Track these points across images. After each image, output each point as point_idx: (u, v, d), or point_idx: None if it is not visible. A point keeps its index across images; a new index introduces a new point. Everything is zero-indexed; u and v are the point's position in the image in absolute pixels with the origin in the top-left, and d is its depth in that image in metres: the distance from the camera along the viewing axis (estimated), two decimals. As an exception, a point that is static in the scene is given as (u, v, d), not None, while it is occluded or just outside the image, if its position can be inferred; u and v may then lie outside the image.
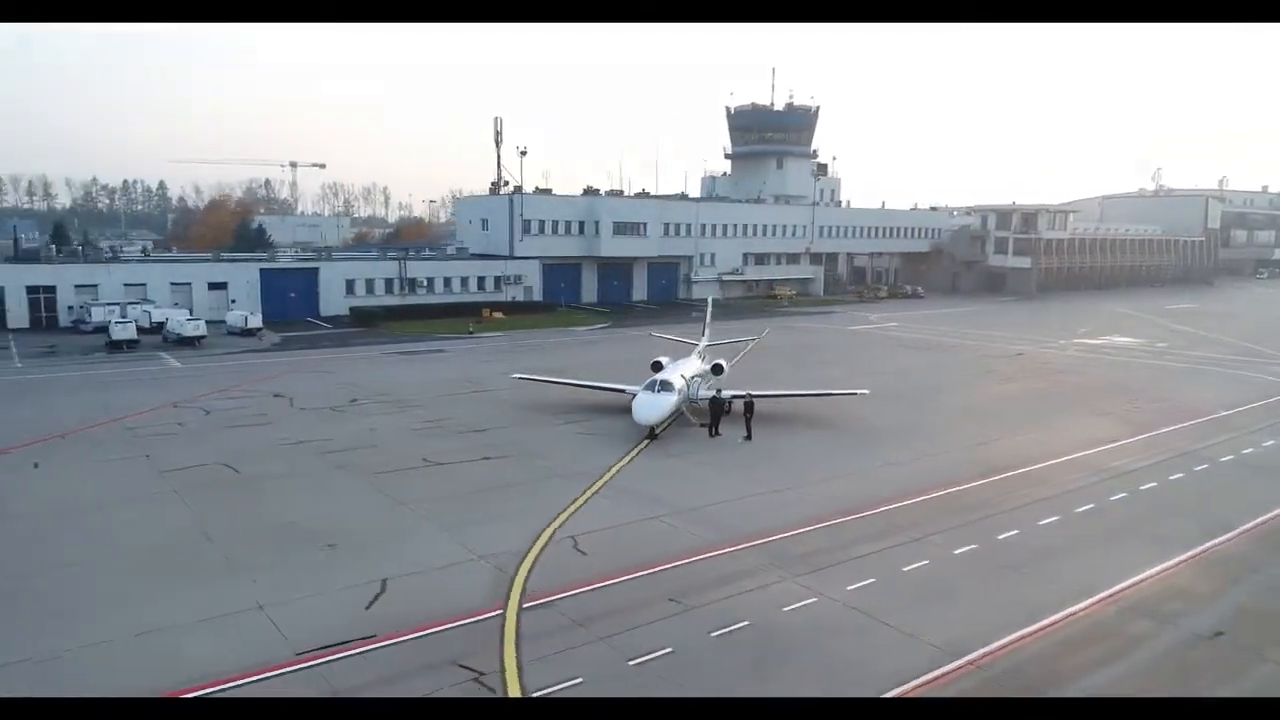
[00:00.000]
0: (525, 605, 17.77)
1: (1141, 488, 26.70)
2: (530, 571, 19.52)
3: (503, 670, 15.14)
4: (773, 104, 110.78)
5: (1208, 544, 21.77)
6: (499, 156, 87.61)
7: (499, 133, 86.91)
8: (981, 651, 16.06)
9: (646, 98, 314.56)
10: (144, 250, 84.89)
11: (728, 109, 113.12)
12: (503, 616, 17.21)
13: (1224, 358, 55.52)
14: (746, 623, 17.10)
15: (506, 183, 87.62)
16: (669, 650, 15.89)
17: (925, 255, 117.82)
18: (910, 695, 14.64)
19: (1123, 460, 29.97)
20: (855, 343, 63.93)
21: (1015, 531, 22.56)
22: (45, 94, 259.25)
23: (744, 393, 34.00)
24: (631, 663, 15.48)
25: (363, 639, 16.08)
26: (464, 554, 20.57)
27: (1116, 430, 34.53)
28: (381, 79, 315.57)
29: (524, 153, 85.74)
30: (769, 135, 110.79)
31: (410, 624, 16.77)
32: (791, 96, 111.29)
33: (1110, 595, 18.68)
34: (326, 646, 15.76)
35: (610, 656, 15.74)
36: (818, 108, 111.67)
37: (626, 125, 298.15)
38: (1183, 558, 20.90)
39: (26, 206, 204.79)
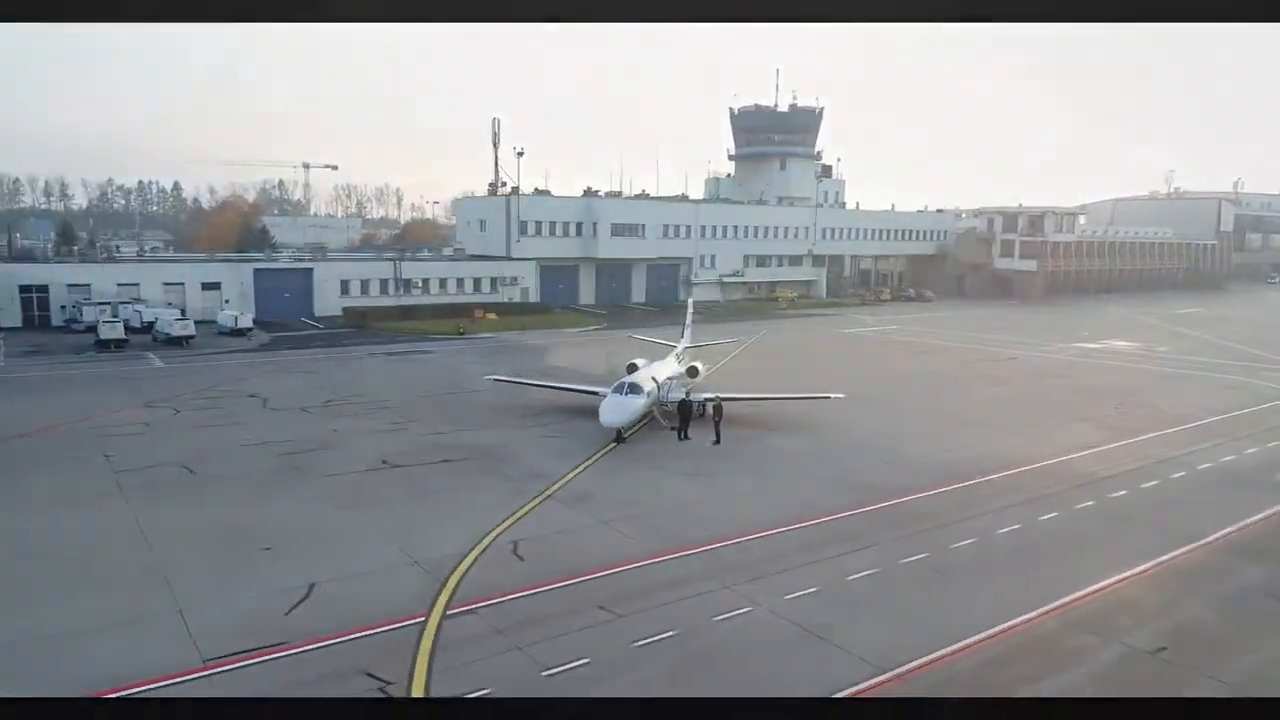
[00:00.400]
0: (450, 612, 17.40)
1: (1111, 495, 25.99)
2: (464, 577, 19.16)
3: (410, 679, 14.79)
4: (776, 105, 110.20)
5: (1165, 556, 21.04)
6: (496, 158, 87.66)
7: (496, 134, 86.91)
8: (910, 665, 15.54)
9: (647, 98, 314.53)
10: (139, 251, 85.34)
11: (731, 110, 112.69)
12: (424, 623, 16.85)
13: (1223, 362, 54.44)
14: (674, 632, 16.64)
15: (504, 184, 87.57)
16: (585, 661, 15.48)
17: (931, 258, 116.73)
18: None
19: (1097, 467, 29.24)
20: (850, 346, 63.25)
21: (971, 540, 21.96)
22: (59, 94, 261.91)
23: (713, 395, 33.52)
24: (545, 673, 15.07)
25: (274, 646, 15.76)
26: (400, 558, 20.21)
27: (1097, 436, 33.78)
28: (394, 80, 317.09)
29: (520, 153, 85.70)
30: (772, 136, 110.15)
31: (328, 630, 16.43)
32: (795, 97, 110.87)
33: (1056, 607, 18.07)
34: (235, 654, 15.44)
35: (525, 666, 15.33)
36: (821, 108, 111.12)
37: (627, 125, 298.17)
38: (1138, 570, 20.21)
39: (44, 207, 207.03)
